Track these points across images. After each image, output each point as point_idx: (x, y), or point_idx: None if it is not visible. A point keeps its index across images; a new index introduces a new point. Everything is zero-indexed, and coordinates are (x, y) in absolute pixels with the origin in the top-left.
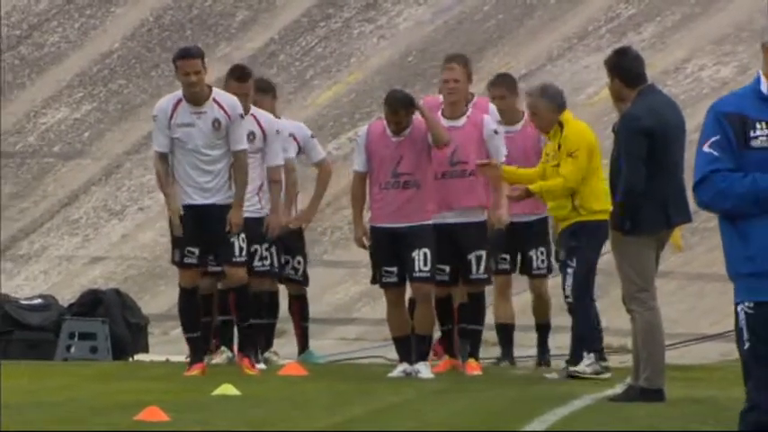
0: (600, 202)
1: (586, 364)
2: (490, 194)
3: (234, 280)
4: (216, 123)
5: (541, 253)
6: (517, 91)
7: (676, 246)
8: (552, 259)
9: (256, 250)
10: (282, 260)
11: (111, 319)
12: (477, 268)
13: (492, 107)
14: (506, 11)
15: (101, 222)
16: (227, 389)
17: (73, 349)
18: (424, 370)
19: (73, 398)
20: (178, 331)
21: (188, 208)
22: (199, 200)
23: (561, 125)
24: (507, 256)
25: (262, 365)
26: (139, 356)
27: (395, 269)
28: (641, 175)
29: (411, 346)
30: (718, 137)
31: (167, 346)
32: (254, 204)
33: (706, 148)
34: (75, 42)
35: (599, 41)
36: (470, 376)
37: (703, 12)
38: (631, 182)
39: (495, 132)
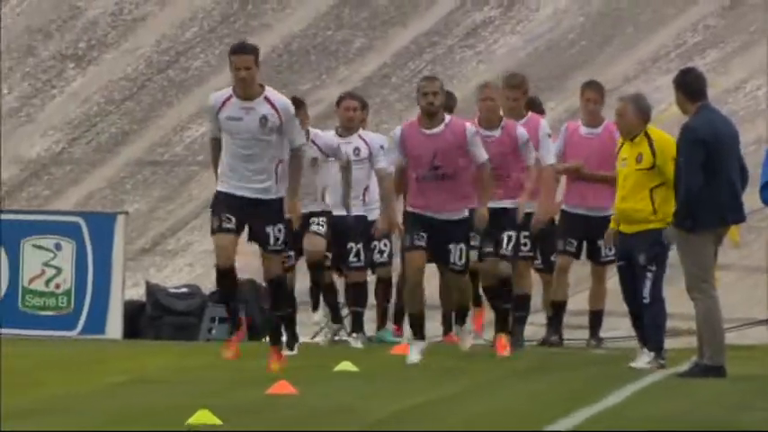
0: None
1: (646, 362)
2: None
3: (264, 267)
4: (263, 120)
5: None
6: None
7: (734, 242)
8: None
9: (352, 248)
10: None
11: (246, 305)
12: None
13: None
14: (589, 38)
15: None
16: (347, 365)
17: (214, 331)
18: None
19: (214, 374)
20: (303, 316)
21: (229, 195)
22: (241, 192)
23: (648, 135)
24: (575, 242)
25: (294, 352)
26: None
27: (425, 234)
28: (699, 179)
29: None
30: None
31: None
32: (358, 205)
33: None
34: (216, 66)
35: (669, 65)
36: (552, 355)
37: (760, 39)
38: (690, 185)
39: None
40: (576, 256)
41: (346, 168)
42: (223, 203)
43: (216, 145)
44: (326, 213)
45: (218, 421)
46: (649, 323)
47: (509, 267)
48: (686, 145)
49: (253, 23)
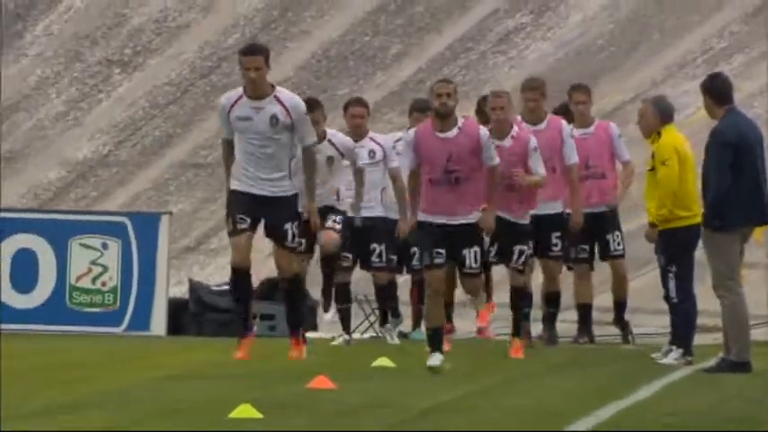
0: (686, 209)
1: (674, 358)
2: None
3: (281, 264)
4: (273, 119)
5: (617, 236)
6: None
7: (758, 241)
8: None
9: (375, 249)
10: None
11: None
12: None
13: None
14: (617, 44)
15: None
16: (385, 361)
17: (255, 328)
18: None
19: (255, 369)
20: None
21: (243, 193)
22: (255, 190)
23: (660, 135)
24: (587, 246)
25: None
26: (309, 334)
27: (444, 251)
28: (728, 180)
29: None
30: None
31: (333, 325)
32: (377, 206)
33: None
34: None
35: (695, 70)
36: (585, 351)
37: None
38: (719, 186)
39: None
40: (591, 258)
41: (359, 172)
42: (237, 203)
43: (228, 146)
44: (342, 212)
45: (259, 415)
46: (679, 321)
47: (520, 279)
48: (714, 148)
49: (292, 30)
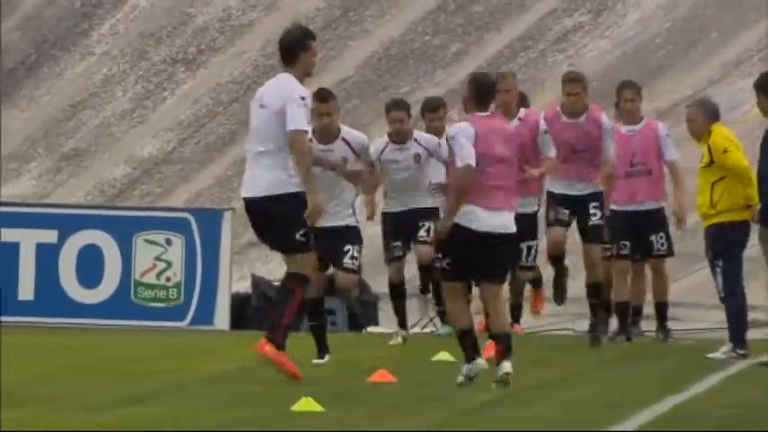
0: (736, 203)
1: (722, 352)
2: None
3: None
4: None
5: (661, 237)
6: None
7: None
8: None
9: (423, 224)
10: None
11: (347, 298)
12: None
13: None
14: (674, 43)
15: None
16: (445, 355)
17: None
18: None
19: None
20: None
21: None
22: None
23: (710, 134)
24: (628, 243)
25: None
26: (371, 328)
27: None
28: None
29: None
30: None
31: (394, 319)
32: (427, 198)
33: None
34: (318, 70)
35: (751, 68)
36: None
37: None
38: None
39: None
40: (632, 256)
41: (371, 166)
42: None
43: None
44: (359, 239)
45: (320, 408)
46: (727, 315)
47: (527, 276)
48: None
49: (354, 29)
